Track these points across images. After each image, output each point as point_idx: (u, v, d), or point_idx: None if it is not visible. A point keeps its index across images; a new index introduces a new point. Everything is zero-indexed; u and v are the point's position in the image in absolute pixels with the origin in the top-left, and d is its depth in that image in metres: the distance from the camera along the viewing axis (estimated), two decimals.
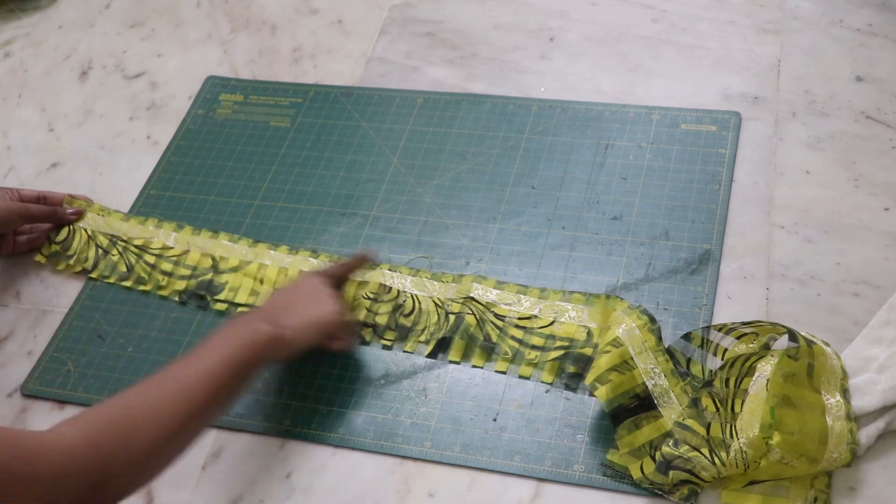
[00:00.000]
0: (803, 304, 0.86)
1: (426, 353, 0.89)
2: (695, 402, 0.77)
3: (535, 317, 0.87)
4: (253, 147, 1.11)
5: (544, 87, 1.09)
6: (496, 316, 0.88)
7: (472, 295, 0.89)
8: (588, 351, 0.84)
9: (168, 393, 0.73)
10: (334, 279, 0.90)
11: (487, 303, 0.89)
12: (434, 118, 1.08)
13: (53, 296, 1.02)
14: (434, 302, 0.91)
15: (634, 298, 0.89)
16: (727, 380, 0.77)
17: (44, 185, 1.08)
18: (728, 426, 0.74)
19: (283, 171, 1.07)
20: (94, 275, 1.01)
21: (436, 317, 0.90)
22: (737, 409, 0.74)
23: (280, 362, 0.89)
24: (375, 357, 0.90)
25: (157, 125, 1.16)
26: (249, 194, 1.06)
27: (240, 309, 0.96)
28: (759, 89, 1.03)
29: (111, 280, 1.00)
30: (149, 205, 1.07)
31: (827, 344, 0.80)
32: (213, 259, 0.99)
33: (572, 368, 0.84)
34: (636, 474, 0.76)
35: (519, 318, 0.88)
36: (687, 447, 0.75)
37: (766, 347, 0.77)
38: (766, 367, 0.75)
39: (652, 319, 0.82)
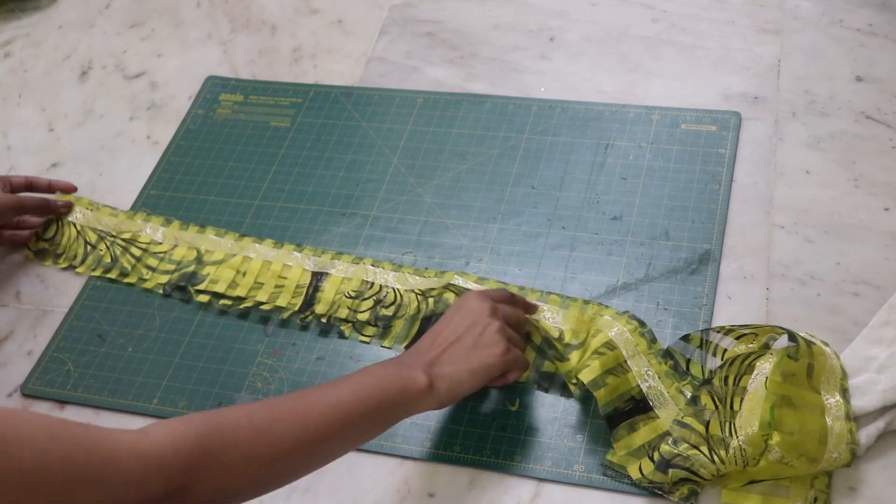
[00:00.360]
0: (803, 304, 0.86)
1: (404, 344, 0.89)
2: (694, 401, 0.77)
3: None
4: (253, 147, 1.11)
5: (544, 87, 1.09)
6: None
7: (452, 282, 0.90)
8: (559, 347, 0.84)
9: (288, 416, 0.68)
10: (501, 303, 0.83)
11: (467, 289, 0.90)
12: (434, 118, 1.08)
13: (53, 296, 1.02)
14: (415, 293, 0.91)
15: (634, 298, 0.89)
16: (726, 378, 0.77)
17: None
18: (727, 424, 0.74)
19: (283, 171, 1.08)
20: (80, 269, 1.02)
21: (415, 303, 0.90)
22: (736, 406, 0.74)
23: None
24: (376, 357, 0.90)
25: (157, 125, 1.16)
26: (249, 194, 1.06)
27: (221, 302, 0.95)
28: (759, 89, 1.03)
29: (97, 273, 1.01)
30: (149, 205, 1.07)
31: (826, 344, 0.80)
32: (199, 252, 1.00)
33: (546, 367, 0.84)
34: (635, 475, 0.77)
35: None
36: (686, 445, 0.75)
37: (766, 347, 0.77)
38: (765, 366, 0.75)
39: (641, 323, 0.82)
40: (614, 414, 0.78)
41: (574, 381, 0.81)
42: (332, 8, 1.24)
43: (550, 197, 0.99)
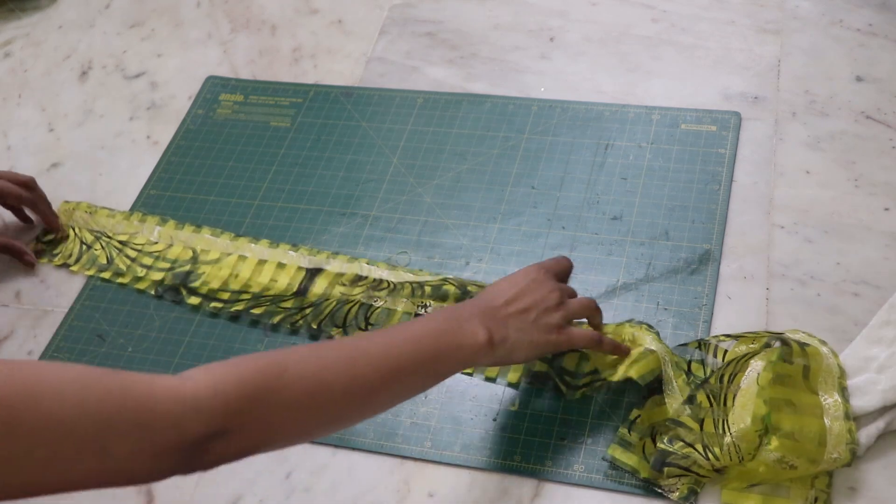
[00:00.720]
0: (803, 304, 0.86)
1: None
2: (690, 400, 0.77)
3: None
4: (253, 147, 1.11)
5: (544, 87, 1.09)
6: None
7: (446, 277, 0.90)
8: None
9: (337, 364, 0.66)
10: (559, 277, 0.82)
11: (463, 281, 0.90)
12: (434, 118, 1.08)
13: (53, 296, 1.02)
14: (409, 282, 0.92)
15: (634, 298, 0.89)
16: (722, 376, 0.77)
17: (44, 185, 1.08)
18: (721, 421, 0.74)
19: (283, 171, 1.08)
20: (74, 268, 1.02)
21: (409, 288, 0.91)
22: (729, 403, 0.75)
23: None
24: None
25: (157, 125, 1.16)
26: (249, 194, 1.06)
27: (212, 304, 0.95)
28: (759, 89, 1.03)
29: (91, 272, 1.01)
30: (149, 205, 1.07)
31: (824, 343, 0.80)
32: (194, 251, 1.00)
33: (538, 367, 0.85)
34: (637, 453, 0.77)
35: None
36: (681, 444, 0.75)
37: (767, 347, 0.77)
38: (758, 363, 0.75)
39: (650, 326, 0.83)
40: (649, 387, 0.79)
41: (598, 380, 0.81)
42: (332, 8, 1.24)
43: (550, 197, 0.99)
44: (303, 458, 0.85)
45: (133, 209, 1.07)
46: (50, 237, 1.05)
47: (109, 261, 1.01)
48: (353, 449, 0.84)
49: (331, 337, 0.91)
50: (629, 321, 0.84)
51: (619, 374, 0.80)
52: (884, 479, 0.75)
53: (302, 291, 0.94)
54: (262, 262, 0.97)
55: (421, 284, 0.91)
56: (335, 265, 0.95)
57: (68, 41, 1.30)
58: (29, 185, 1.04)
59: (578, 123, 1.04)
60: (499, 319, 0.74)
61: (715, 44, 1.08)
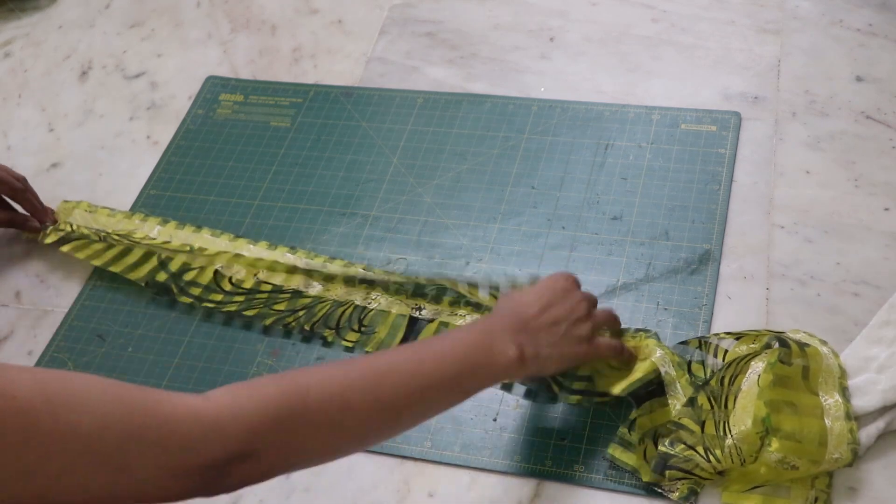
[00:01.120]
0: (803, 304, 0.86)
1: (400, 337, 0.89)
2: (691, 402, 0.77)
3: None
4: (253, 147, 1.11)
5: (544, 87, 1.09)
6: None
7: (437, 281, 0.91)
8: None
9: (362, 384, 0.65)
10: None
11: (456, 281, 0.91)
12: (434, 118, 1.08)
13: (53, 296, 1.02)
14: (398, 282, 0.92)
15: (634, 298, 0.89)
16: (723, 378, 0.77)
17: (44, 185, 1.08)
18: (722, 423, 0.74)
19: (283, 171, 1.07)
20: (65, 248, 1.01)
21: (400, 289, 0.92)
22: (730, 406, 0.75)
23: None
24: None
25: (157, 125, 1.16)
26: (249, 194, 1.06)
27: (204, 305, 0.95)
28: (759, 89, 1.03)
29: (81, 255, 1.01)
30: (149, 205, 1.07)
31: (824, 343, 0.80)
32: (191, 248, 0.99)
33: None
34: (639, 455, 0.77)
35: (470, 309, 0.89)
36: (682, 446, 0.75)
37: (768, 347, 0.77)
38: (758, 365, 0.75)
39: (647, 331, 0.82)
40: (638, 393, 0.79)
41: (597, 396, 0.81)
42: (332, 8, 1.24)
43: (550, 197, 0.99)
44: None
45: (133, 209, 1.07)
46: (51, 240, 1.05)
47: (102, 238, 1.01)
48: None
49: (324, 339, 0.91)
50: (626, 330, 0.83)
51: (616, 388, 0.79)
52: (884, 479, 0.75)
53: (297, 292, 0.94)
54: (257, 261, 0.97)
55: (416, 285, 0.91)
56: (332, 268, 0.95)
57: (68, 41, 1.30)
58: (21, 180, 1.03)
59: (578, 123, 1.04)
60: (529, 333, 0.73)
61: (715, 44, 1.08)
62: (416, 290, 0.92)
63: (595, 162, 1.00)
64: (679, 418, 0.77)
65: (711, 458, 0.73)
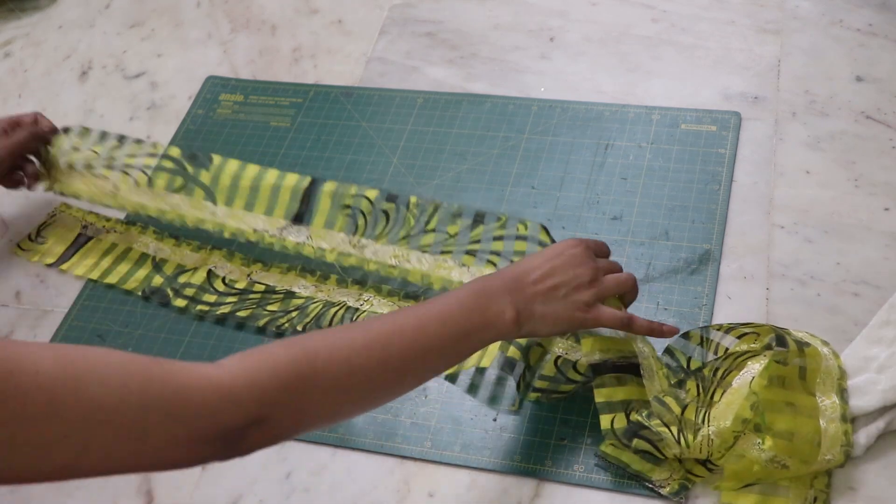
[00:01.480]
0: (803, 304, 0.86)
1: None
2: (679, 384, 0.77)
3: None
4: (253, 147, 1.11)
5: (544, 87, 1.09)
6: None
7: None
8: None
9: (368, 348, 0.67)
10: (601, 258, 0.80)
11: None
12: (434, 118, 1.09)
13: (53, 296, 1.02)
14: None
15: None
16: (716, 370, 0.77)
17: None
18: (703, 412, 0.74)
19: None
20: (64, 267, 1.03)
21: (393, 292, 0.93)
22: (716, 398, 0.75)
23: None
24: None
25: (157, 125, 1.16)
26: None
27: (198, 308, 0.95)
28: (759, 89, 1.03)
29: (79, 271, 1.02)
30: None
31: (826, 343, 0.80)
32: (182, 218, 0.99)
33: (511, 352, 0.83)
34: (605, 425, 0.77)
35: None
36: (658, 422, 0.74)
37: (769, 348, 0.77)
38: (755, 366, 0.75)
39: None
40: (601, 364, 0.78)
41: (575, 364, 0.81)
42: (332, 8, 1.24)
43: (550, 197, 0.99)
44: (303, 458, 0.85)
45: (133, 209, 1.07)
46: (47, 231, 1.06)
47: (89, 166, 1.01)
48: (353, 449, 0.84)
49: None
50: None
51: (588, 344, 0.79)
52: (884, 479, 0.75)
53: (299, 217, 0.94)
54: (250, 259, 0.98)
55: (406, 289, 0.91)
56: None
57: (68, 41, 1.30)
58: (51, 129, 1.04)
59: (578, 123, 1.04)
60: (527, 296, 0.73)
61: (715, 44, 1.08)
62: (409, 292, 0.92)
63: (595, 162, 1.01)
64: (663, 396, 0.76)
65: (682, 440, 0.73)
